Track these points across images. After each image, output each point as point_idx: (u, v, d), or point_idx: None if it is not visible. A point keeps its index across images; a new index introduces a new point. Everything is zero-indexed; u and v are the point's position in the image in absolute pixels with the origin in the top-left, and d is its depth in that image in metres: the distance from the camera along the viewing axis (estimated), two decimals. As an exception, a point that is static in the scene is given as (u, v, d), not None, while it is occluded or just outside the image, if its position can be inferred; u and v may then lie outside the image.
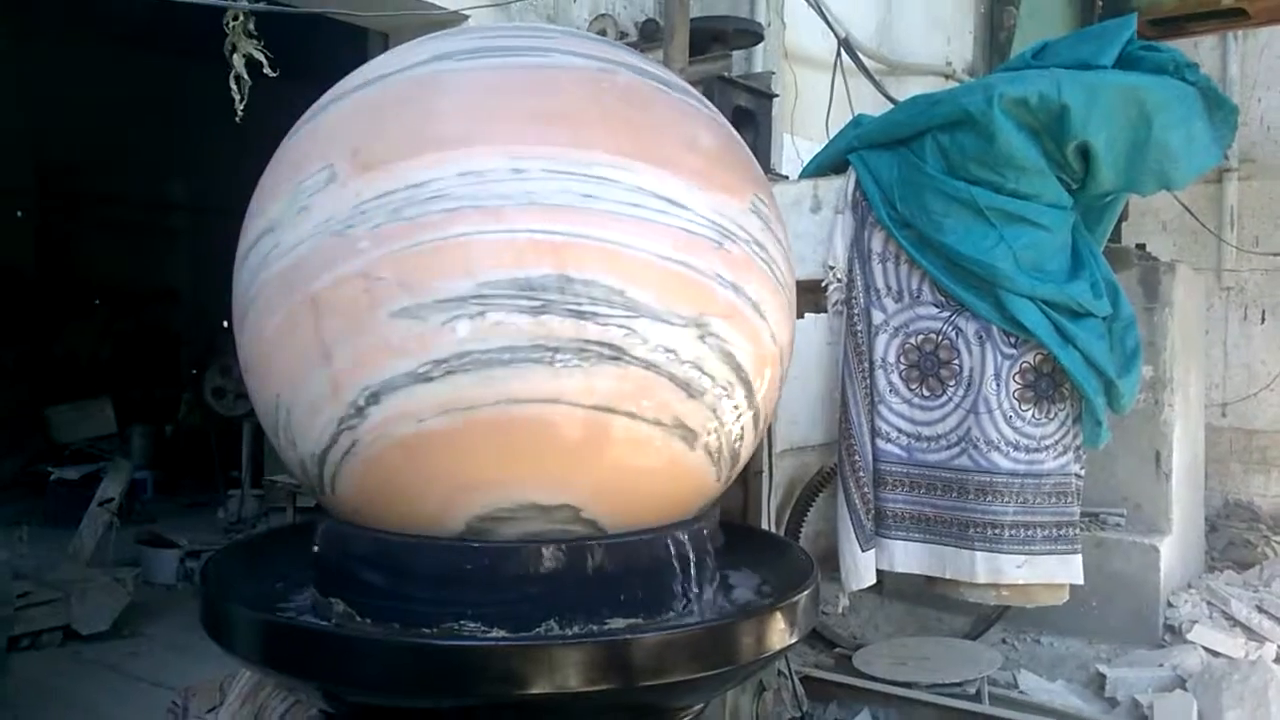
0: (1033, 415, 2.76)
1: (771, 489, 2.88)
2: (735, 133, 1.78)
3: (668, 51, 3.46)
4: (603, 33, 4.10)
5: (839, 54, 5.36)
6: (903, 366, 2.88)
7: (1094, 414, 2.70)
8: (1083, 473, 2.81)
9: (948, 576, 2.84)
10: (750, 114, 3.69)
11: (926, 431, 2.86)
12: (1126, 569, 5.07)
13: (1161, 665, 4.65)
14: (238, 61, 3.14)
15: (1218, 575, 5.79)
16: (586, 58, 1.62)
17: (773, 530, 2.89)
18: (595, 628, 1.53)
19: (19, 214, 11.38)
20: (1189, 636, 4.88)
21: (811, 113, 5.20)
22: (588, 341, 1.42)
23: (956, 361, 2.81)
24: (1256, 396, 7.77)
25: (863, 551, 2.88)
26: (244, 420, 7.53)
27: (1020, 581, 2.76)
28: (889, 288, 2.88)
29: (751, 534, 2.46)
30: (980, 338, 2.77)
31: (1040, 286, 2.65)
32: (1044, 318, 2.65)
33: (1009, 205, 2.64)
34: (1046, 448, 2.77)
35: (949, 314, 2.80)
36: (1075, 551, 2.76)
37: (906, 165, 2.79)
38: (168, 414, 10.24)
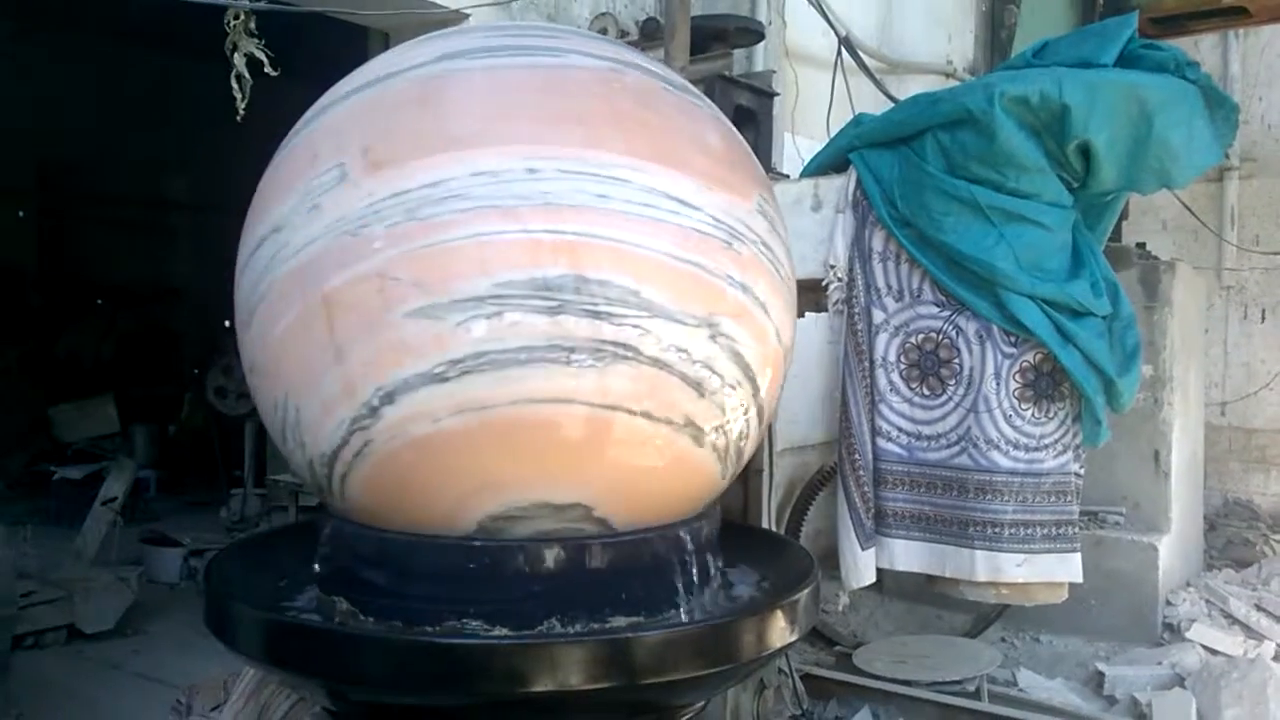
0: (1032, 414, 2.76)
1: (772, 488, 2.89)
2: (738, 133, 1.79)
3: (669, 50, 3.46)
4: (604, 31, 4.10)
5: (840, 53, 5.36)
6: (903, 365, 2.88)
7: (1094, 413, 2.71)
8: (1082, 471, 2.81)
9: (947, 575, 2.85)
10: (751, 113, 3.70)
11: (926, 430, 2.86)
12: (1126, 567, 5.07)
13: (1160, 663, 4.65)
14: (239, 60, 3.15)
15: (1216, 574, 5.79)
16: (596, 58, 1.63)
17: (773, 529, 2.89)
18: (597, 626, 1.54)
19: (20, 214, 11.39)
20: (1188, 635, 4.88)
21: (812, 111, 5.21)
22: (603, 341, 1.43)
23: (957, 360, 2.81)
24: (1256, 395, 7.77)
25: (863, 550, 2.88)
26: (246, 419, 7.52)
27: (1020, 580, 2.77)
28: (889, 287, 2.89)
29: (752, 532, 2.46)
30: (980, 337, 2.77)
31: (1040, 285, 2.65)
32: (1044, 317, 2.66)
33: (1009, 204, 2.65)
34: (1046, 446, 2.77)
35: (949, 313, 2.81)
36: (1074, 550, 2.77)
37: (907, 164, 2.80)
38: (170, 413, 10.26)
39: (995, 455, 2.76)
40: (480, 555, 1.52)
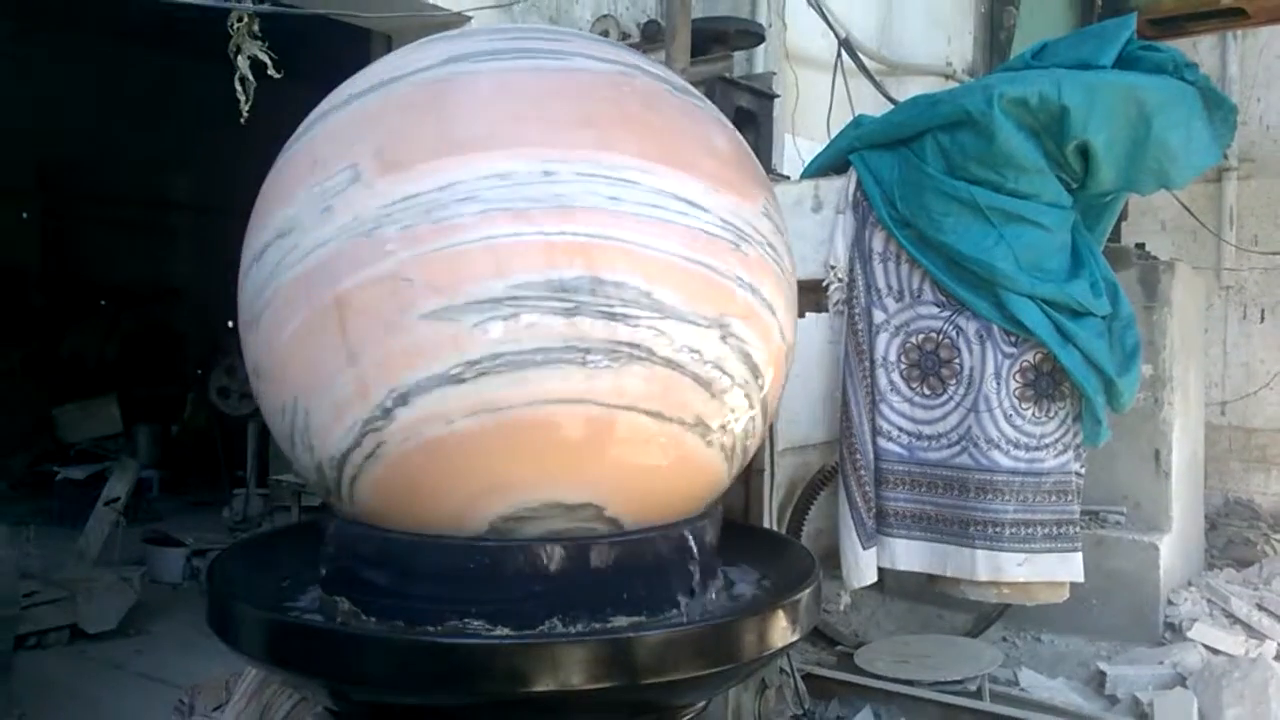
0: (1033, 414, 2.77)
1: (773, 487, 2.89)
2: (739, 135, 1.80)
3: (670, 52, 3.47)
4: (605, 33, 4.11)
5: (839, 54, 5.37)
6: (903, 365, 2.89)
7: (1094, 412, 2.71)
8: (1083, 471, 2.82)
9: (949, 574, 2.85)
10: (751, 114, 3.71)
11: (927, 430, 2.87)
12: (1127, 567, 5.08)
13: (1162, 663, 4.65)
14: (242, 63, 3.15)
15: (1218, 573, 5.79)
16: (602, 60, 1.64)
17: (774, 528, 2.90)
18: (599, 625, 1.54)
19: (24, 215, 11.40)
20: (1189, 634, 4.88)
21: (812, 113, 5.21)
22: (618, 342, 1.44)
23: (957, 360, 2.82)
24: (1256, 395, 7.77)
25: (864, 549, 2.89)
26: (249, 419, 7.53)
27: (1021, 579, 2.78)
28: (890, 287, 2.90)
29: (753, 532, 2.47)
30: (980, 337, 2.78)
31: (1040, 286, 2.66)
32: (1044, 317, 2.66)
33: (1009, 205, 2.65)
34: (1046, 446, 2.78)
35: (949, 313, 2.82)
36: (1075, 549, 2.77)
37: (907, 165, 2.81)
38: (173, 413, 10.26)
39: (996, 455, 2.76)
40: (482, 555, 1.52)
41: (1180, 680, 4.45)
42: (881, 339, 2.90)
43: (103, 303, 11.65)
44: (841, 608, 3.19)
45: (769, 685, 2.90)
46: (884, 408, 2.90)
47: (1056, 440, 2.79)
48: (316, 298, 1.48)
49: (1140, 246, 5.92)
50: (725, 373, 1.56)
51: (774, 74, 4.44)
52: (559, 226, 1.43)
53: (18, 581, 4.50)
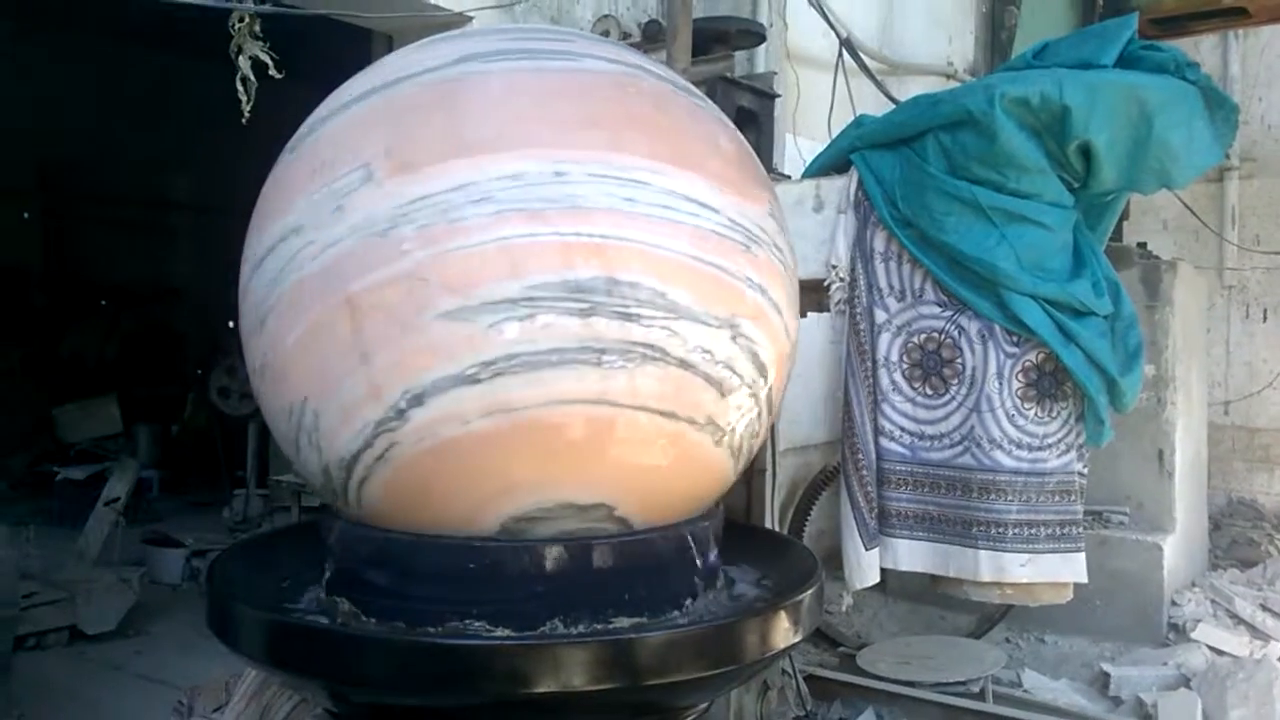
0: (1035, 414, 2.76)
1: (775, 488, 2.88)
2: (741, 135, 1.80)
3: (671, 52, 3.46)
4: (606, 33, 4.11)
5: (841, 54, 5.36)
6: (905, 365, 2.88)
7: (1096, 412, 2.71)
8: (1086, 471, 2.81)
9: (951, 575, 2.85)
10: (753, 114, 3.70)
11: (929, 430, 2.86)
12: (1130, 567, 5.07)
13: (1166, 664, 4.64)
14: (244, 63, 3.14)
15: (1221, 573, 5.78)
16: (609, 61, 1.64)
17: (776, 529, 2.89)
18: (600, 626, 1.53)
19: (25, 215, 11.41)
20: (1193, 635, 4.87)
21: (813, 113, 5.21)
22: (633, 343, 1.45)
23: (959, 360, 2.81)
24: (1259, 395, 7.75)
25: (866, 550, 2.88)
26: (249, 420, 7.53)
27: (1024, 580, 2.77)
28: (891, 287, 2.89)
29: (755, 533, 2.46)
30: (983, 336, 2.77)
31: (1042, 285, 2.65)
32: (1046, 316, 2.66)
33: (1011, 204, 2.65)
34: (1049, 446, 2.77)
35: (951, 313, 2.81)
36: (1079, 550, 2.77)
37: (908, 165, 2.80)
38: (173, 413, 10.26)
39: (998, 455, 2.76)
40: (483, 556, 1.52)
41: (1184, 681, 4.44)
42: (883, 339, 2.89)
43: (103, 302, 11.65)
44: (844, 609, 3.18)
45: (771, 686, 2.89)
46: (886, 408, 2.90)
47: (1059, 440, 2.78)
48: (328, 298, 1.47)
49: (1142, 246, 5.91)
50: (735, 373, 1.57)
51: (775, 74, 4.44)
52: (574, 227, 1.43)
53: (17, 582, 4.49)
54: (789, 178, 3.65)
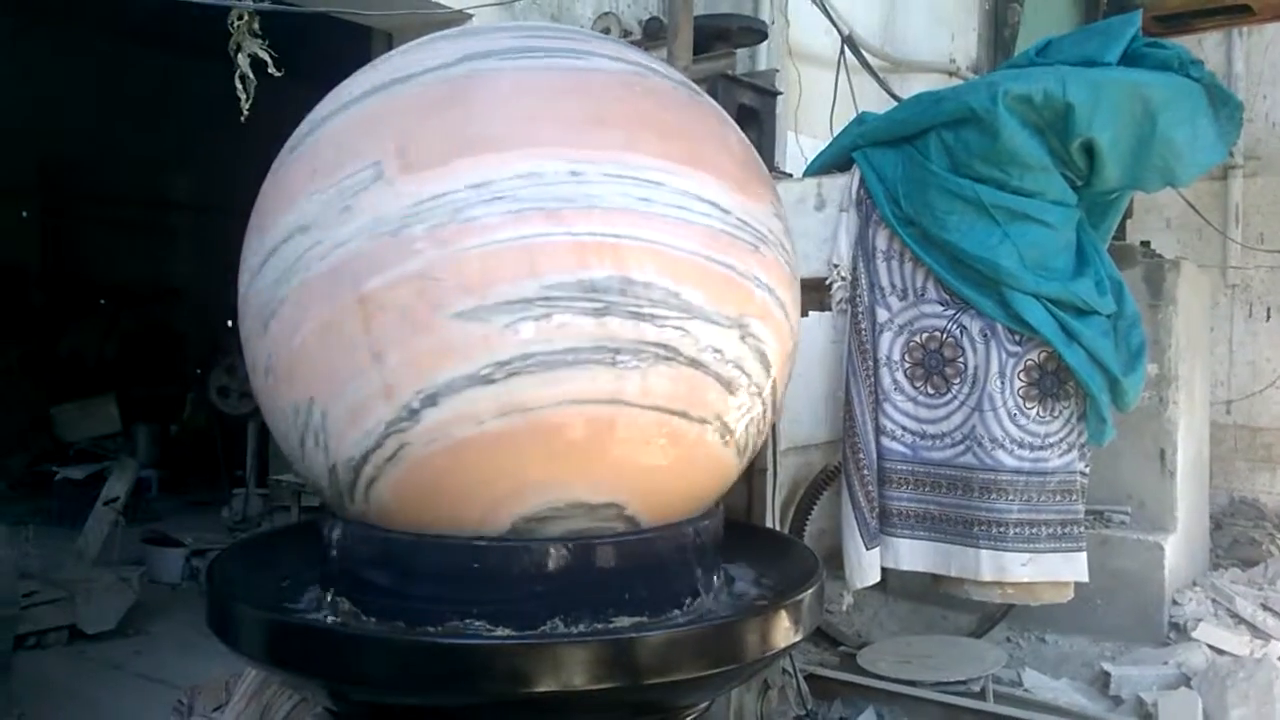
0: (1037, 413, 2.75)
1: (776, 487, 2.88)
2: (744, 134, 1.80)
3: (672, 49, 3.45)
4: (606, 30, 4.10)
5: (843, 51, 5.36)
6: (907, 364, 2.88)
7: (1099, 411, 2.70)
8: (1087, 470, 2.81)
9: (953, 574, 2.84)
10: (754, 112, 3.70)
11: (931, 429, 2.86)
12: (1131, 567, 5.06)
13: (1166, 663, 4.64)
14: (243, 61, 3.14)
15: (1222, 573, 5.77)
16: (618, 60, 1.64)
17: (777, 528, 2.89)
18: (600, 626, 1.53)
19: (24, 214, 11.41)
20: (1194, 634, 4.86)
21: (815, 110, 5.20)
22: (646, 342, 1.45)
23: (961, 359, 2.80)
24: (1261, 394, 7.74)
25: (867, 549, 2.88)
26: (249, 419, 7.52)
27: (1025, 579, 2.77)
28: (893, 285, 2.88)
29: (756, 532, 2.45)
30: (985, 335, 2.76)
31: (1045, 284, 2.65)
32: (1049, 315, 2.65)
33: (1013, 203, 2.64)
34: (1051, 445, 2.77)
35: (953, 312, 2.80)
36: (1080, 549, 2.76)
37: (911, 163, 2.80)
38: (172, 413, 10.26)
39: (1000, 454, 2.75)
40: (484, 555, 1.51)
41: (1185, 681, 4.43)
42: (885, 338, 2.89)
43: (102, 302, 11.65)
44: (844, 608, 3.17)
45: (771, 686, 2.88)
46: (887, 407, 2.89)
47: (1061, 439, 2.78)
48: (338, 297, 1.46)
49: (1145, 244, 5.89)
50: (744, 372, 1.57)
51: (777, 71, 4.44)
52: (590, 227, 1.43)
53: (17, 581, 4.49)
54: (791, 176, 3.64)
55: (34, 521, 6.50)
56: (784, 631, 1.65)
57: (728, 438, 1.60)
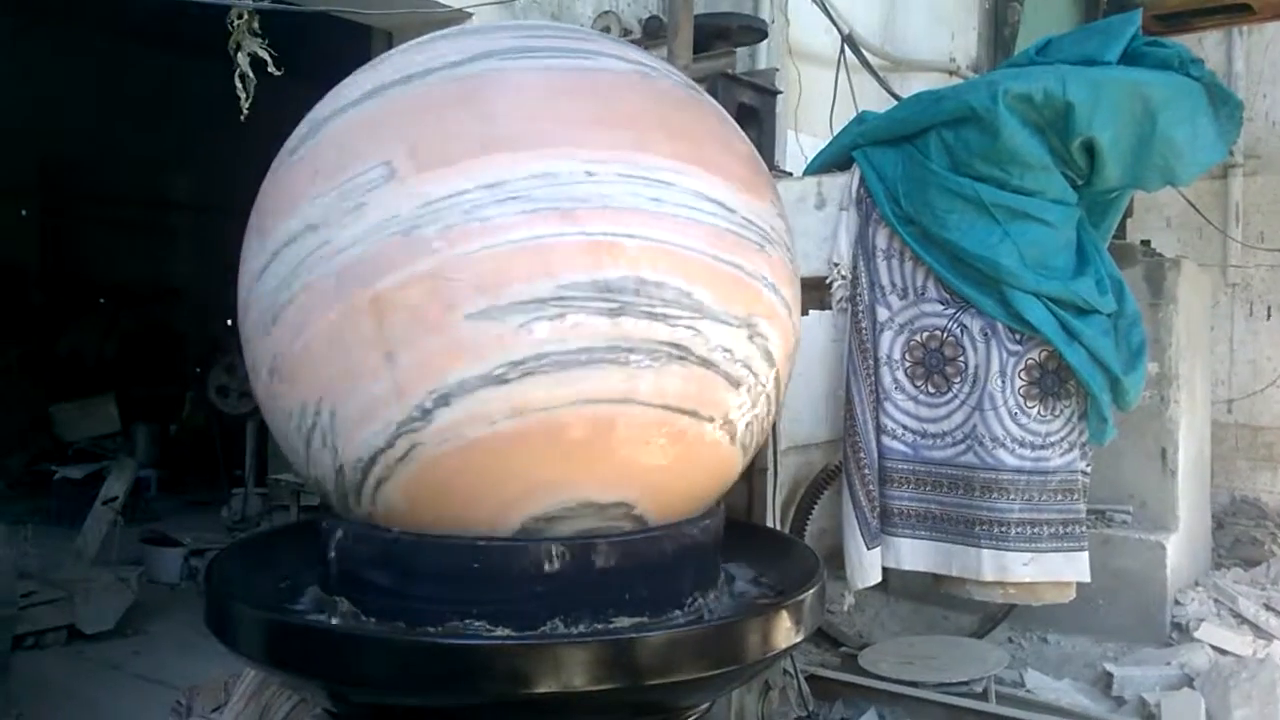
0: (1038, 412, 2.75)
1: (776, 486, 2.87)
2: (744, 133, 1.81)
3: (672, 48, 3.44)
4: (607, 29, 4.09)
5: (843, 50, 5.35)
6: (908, 363, 2.87)
7: (1099, 410, 2.70)
8: (1089, 470, 2.80)
9: (954, 574, 2.84)
10: (754, 111, 3.69)
11: (932, 429, 2.85)
12: (1133, 566, 5.05)
13: (1169, 663, 4.63)
14: (242, 60, 3.13)
15: (1225, 572, 5.76)
16: (624, 60, 1.64)
17: (777, 528, 2.88)
18: (600, 626, 1.53)
19: (23, 212, 11.41)
20: (1196, 634, 4.86)
21: (815, 109, 5.20)
22: (659, 342, 1.45)
23: (962, 358, 2.80)
24: (1263, 393, 7.73)
25: (868, 549, 2.87)
26: (248, 419, 7.52)
27: (1027, 579, 2.76)
28: (894, 285, 2.88)
29: (756, 532, 2.45)
30: (985, 334, 2.76)
31: (1045, 283, 2.64)
32: (1049, 314, 2.65)
33: (1014, 201, 2.64)
34: (1052, 444, 2.76)
35: (954, 311, 2.80)
36: (1082, 549, 2.76)
37: (911, 162, 2.79)
38: (172, 412, 10.25)
39: (1001, 453, 2.75)
40: (484, 555, 1.51)
41: (1187, 681, 4.43)
42: (885, 337, 2.88)
43: (101, 301, 11.65)
44: (845, 608, 3.17)
45: (772, 687, 2.88)
46: (888, 406, 2.89)
47: (1062, 439, 2.77)
48: (349, 297, 1.45)
49: (1146, 243, 5.89)
50: (752, 371, 1.58)
51: (777, 70, 4.43)
52: (604, 227, 1.43)
53: (15, 581, 4.48)
54: (791, 174, 3.64)
55: (33, 521, 6.49)
56: (785, 632, 1.64)
57: (734, 436, 1.61)
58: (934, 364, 2.84)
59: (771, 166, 3.22)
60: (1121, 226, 4.83)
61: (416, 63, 1.59)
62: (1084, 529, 2.77)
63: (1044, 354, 2.73)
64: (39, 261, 11.53)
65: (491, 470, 1.48)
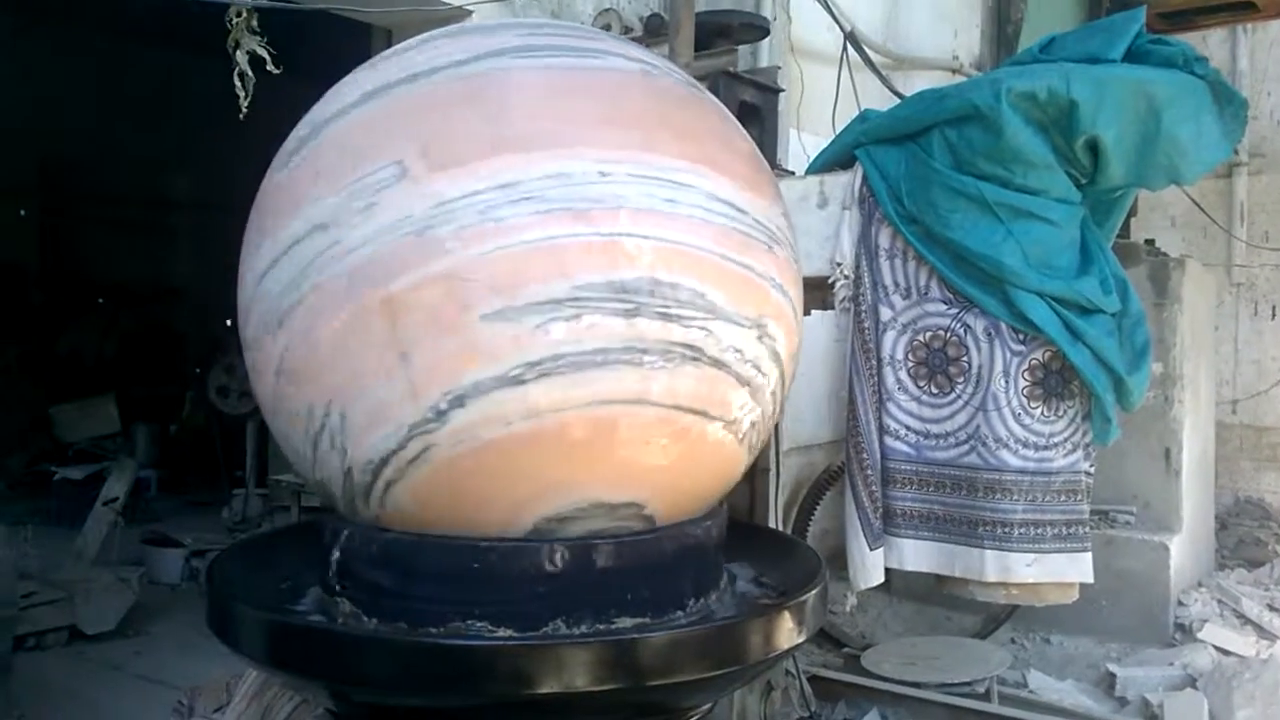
0: (1042, 412, 2.74)
1: (779, 487, 2.87)
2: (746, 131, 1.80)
3: (673, 46, 3.44)
4: (607, 27, 4.08)
5: (845, 48, 5.34)
6: (911, 364, 2.86)
7: (1103, 411, 2.69)
8: (1092, 470, 2.79)
9: (957, 575, 2.83)
10: (756, 109, 3.68)
11: (935, 429, 2.84)
12: (1136, 567, 5.04)
13: (1172, 664, 4.62)
14: (241, 58, 3.12)
15: (1228, 573, 5.76)
16: (630, 59, 1.63)
17: (780, 529, 2.87)
18: (603, 627, 1.52)
19: (22, 212, 11.41)
20: (1199, 635, 4.85)
21: (817, 108, 5.18)
22: (673, 343, 1.46)
23: (965, 358, 2.79)
24: (1267, 393, 7.72)
25: (871, 550, 2.86)
26: (248, 419, 7.50)
27: (1030, 580, 2.75)
28: (897, 284, 2.87)
29: (759, 532, 2.44)
30: (989, 334, 2.75)
31: (1049, 282, 2.63)
32: (1053, 314, 2.64)
33: (1017, 200, 2.63)
34: (1055, 445, 2.75)
35: (957, 310, 2.79)
36: (1085, 550, 2.75)
37: (914, 160, 2.78)
38: (172, 413, 10.25)
39: (1004, 454, 2.73)
40: (486, 556, 1.50)
41: (1191, 681, 4.42)
42: (888, 337, 2.87)
43: (101, 301, 11.65)
44: (848, 609, 3.16)
45: (775, 687, 2.87)
46: (891, 406, 2.88)
47: (1065, 439, 2.76)
48: (361, 298, 1.44)
49: (1150, 243, 5.88)
50: (761, 371, 1.59)
51: (778, 68, 4.42)
52: (619, 227, 1.43)
53: (16, 582, 4.47)
54: (793, 173, 3.63)
55: (33, 522, 6.49)
56: (787, 633, 1.64)
57: (742, 436, 1.61)
58: (937, 364, 2.83)
59: (773, 165, 3.22)
60: (1125, 225, 4.83)
61: (419, 62, 1.57)
62: (1087, 530, 2.76)
63: (1048, 354, 2.72)
64: (39, 261, 11.53)
65: (505, 471, 1.47)
